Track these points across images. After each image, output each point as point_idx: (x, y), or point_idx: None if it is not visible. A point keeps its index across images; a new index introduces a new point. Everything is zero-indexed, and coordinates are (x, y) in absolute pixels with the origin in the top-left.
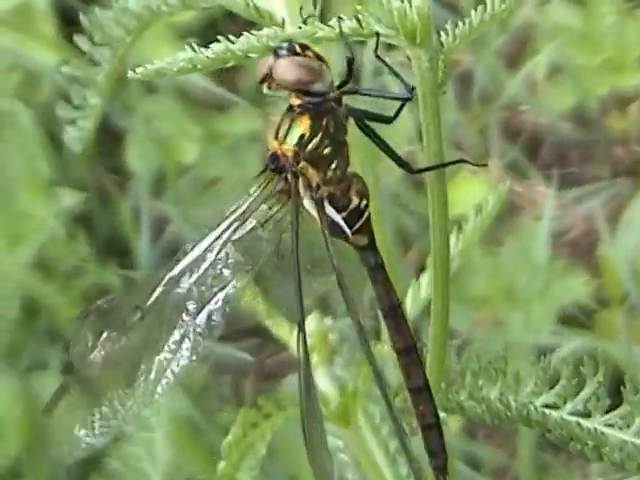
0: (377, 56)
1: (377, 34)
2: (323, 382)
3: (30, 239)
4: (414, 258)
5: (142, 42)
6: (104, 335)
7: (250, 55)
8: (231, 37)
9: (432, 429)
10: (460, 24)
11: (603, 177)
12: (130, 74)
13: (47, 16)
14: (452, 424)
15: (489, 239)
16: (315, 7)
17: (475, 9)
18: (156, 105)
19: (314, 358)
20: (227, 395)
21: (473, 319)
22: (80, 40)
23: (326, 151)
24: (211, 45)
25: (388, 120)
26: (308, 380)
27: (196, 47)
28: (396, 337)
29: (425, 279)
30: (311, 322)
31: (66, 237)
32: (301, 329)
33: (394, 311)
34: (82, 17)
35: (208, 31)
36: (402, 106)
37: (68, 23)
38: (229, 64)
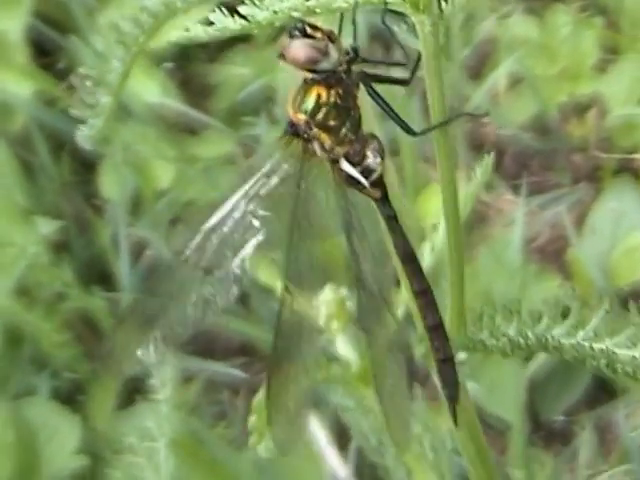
0: (384, 23)
1: (385, 2)
2: (343, 347)
3: (11, 267)
4: None
5: None
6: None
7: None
8: (254, 8)
9: (446, 363)
10: None
11: (564, 184)
12: (169, 37)
13: (20, 46)
14: (443, 424)
15: None
16: None
17: None
18: (130, 130)
19: (333, 325)
20: (221, 412)
21: None
22: (96, 40)
23: (335, 118)
24: (235, 14)
25: (405, 82)
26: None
27: (223, 15)
28: (413, 280)
29: (439, 231)
30: (328, 292)
31: (48, 264)
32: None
33: (410, 257)
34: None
35: (181, 58)
36: (415, 68)
37: (42, 54)
38: (254, 31)
